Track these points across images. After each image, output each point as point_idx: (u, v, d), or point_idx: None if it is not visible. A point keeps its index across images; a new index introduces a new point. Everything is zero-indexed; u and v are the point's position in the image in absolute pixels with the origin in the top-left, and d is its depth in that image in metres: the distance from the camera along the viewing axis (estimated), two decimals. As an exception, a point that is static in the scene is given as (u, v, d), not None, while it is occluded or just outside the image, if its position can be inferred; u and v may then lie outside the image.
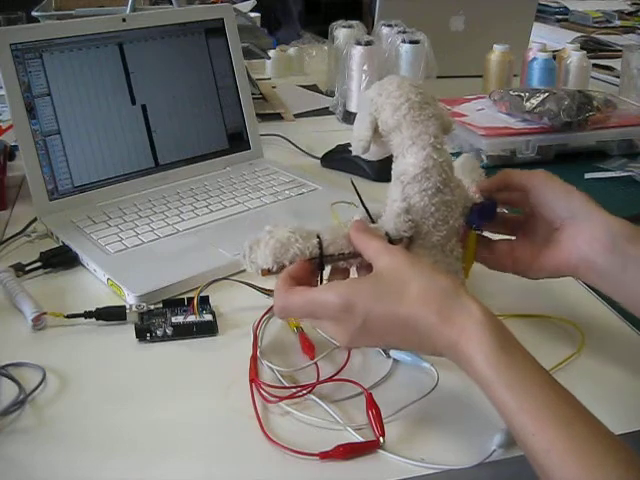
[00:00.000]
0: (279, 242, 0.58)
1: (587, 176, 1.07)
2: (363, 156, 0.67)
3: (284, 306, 0.56)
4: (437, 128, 0.62)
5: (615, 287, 0.61)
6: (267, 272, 0.59)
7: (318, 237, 0.59)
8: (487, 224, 0.67)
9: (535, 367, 0.49)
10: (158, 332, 0.67)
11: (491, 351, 0.49)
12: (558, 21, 2.27)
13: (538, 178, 0.66)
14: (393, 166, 0.64)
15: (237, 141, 1.05)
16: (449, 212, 0.62)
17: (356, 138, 0.65)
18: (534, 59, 1.37)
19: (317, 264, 0.59)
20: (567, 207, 0.63)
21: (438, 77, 1.31)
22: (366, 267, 0.58)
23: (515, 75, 1.44)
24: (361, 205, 0.63)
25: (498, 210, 0.68)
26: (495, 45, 1.41)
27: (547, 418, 0.46)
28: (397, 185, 0.62)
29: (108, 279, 0.75)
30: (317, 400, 0.59)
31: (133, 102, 0.94)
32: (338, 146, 1.10)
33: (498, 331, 0.50)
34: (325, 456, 0.53)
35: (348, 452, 0.54)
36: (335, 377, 0.61)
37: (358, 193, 0.63)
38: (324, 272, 0.60)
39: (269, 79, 1.65)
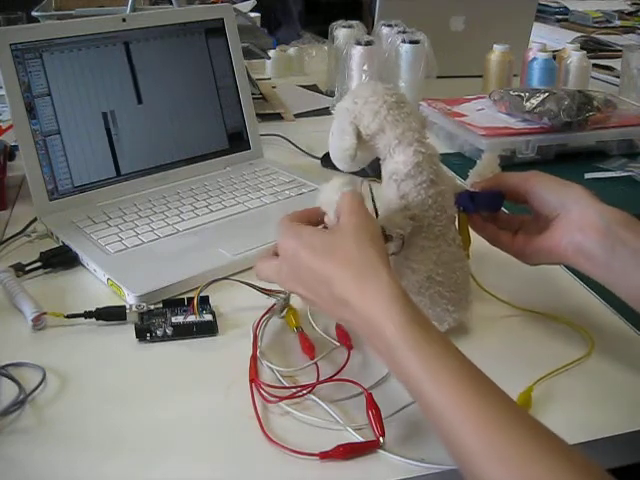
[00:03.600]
0: None
1: (587, 176, 1.07)
2: (343, 170, 0.68)
3: (282, 221, 0.60)
4: (418, 124, 0.64)
5: (602, 270, 0.61)
6: None
7: None
8: (492, 213, 0.69)
9: (447, 342, 0.50)
10: (158, 332, 0.67)
11: (403, 322, 0.50)
12: (558, 21, 2.27)
13: (532, 180, 0.67)
14: (382, 168, 0.65)
15: (237, 141, 1.05)
16: (445, 201, 0.64)
17: (341, 149, 0.65)
18: (534, 59, 1.37)
19: None
20: (560, 199, 0.64)
21: (438, 77, 1.31)
22: None
23: (515, 75, 1.44)
24: (372, 205, 0.64)
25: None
26: (495, 45, 1.41)
27: (462, 390, 0.47)
28: (391, 185, 0.64)
29: (108, 279, 0.75)
30: (317, 400, 0.59)
31: (133, 102, 0.94)
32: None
33: (412, 307, 0.52)
34: (325, 456, 0.53)
35: (348, 452, 0.54)
36: (335, 377, 0.61)
37: (372, 197, 0.65)
38: None
39: (269, 79, 1.65)
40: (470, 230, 0.69)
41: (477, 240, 0.70)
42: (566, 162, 1.12)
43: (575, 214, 0.63)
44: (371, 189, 0.65)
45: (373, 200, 0.64)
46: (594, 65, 1.56)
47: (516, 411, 0.47)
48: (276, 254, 0.60)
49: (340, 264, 0.54)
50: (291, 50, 1.74)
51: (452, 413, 0.46)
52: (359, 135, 0.64)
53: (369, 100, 0.64)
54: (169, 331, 0.67)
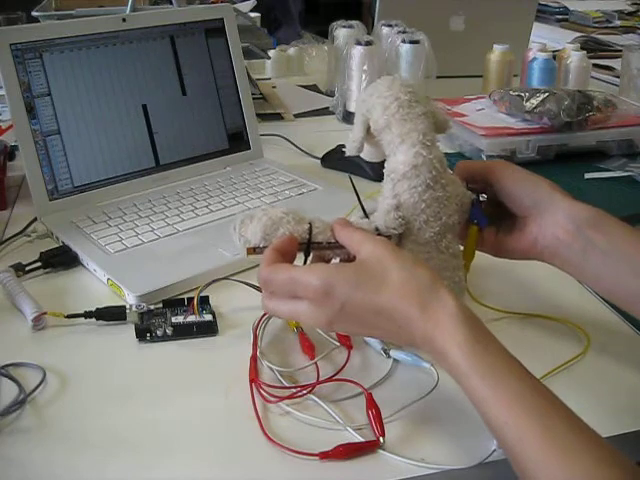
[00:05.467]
0: (271, 220, 0.59)
1: (587, 176, 1.07)
2: (365, 158, 0.68)
3: (267, 279, 0.57)
4: (427, 126, 0.63)
5: (577, 270, 0.62)
6: (252, 251, 0.60)
7: (309, 223, 0.60)
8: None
9: (509, 359, 0.50)
10: (158, 332, 0.67)
11: (465, 343, 0.50)
12: (558, 21, 2.27)
13: (499, 171, 0.66)
14: (385, 164, 0.65)
15: (237, 141, 1.05)
16: (441, 208, 0.63)
17: (350, 139, 0.66)
18: (534, 59, 1.37)
19: (304, 249, 0.60)
20: (531, 197, 0.64)
21: (438, 77, 1.31)
22: (351, 260, 0.59)
23: (515, 75, 1.44)
24: (358, 202, 0.64)
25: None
26: (495, 45, 1.41)
27: (520, 408, 0.47)
28: (388, 183, 0.64)
29: (108, 279, 0.75)
30: (317, 400, 0.59)
31: (133, 102, 0.94)
32: (338, 146, 1.10)
33: (473, 324, 0.51)
34: (325, 456, 0.53)
35: (348, 452, 0.54)
36: (335, 377, 0.61)
37: (356, 190, 0.64)
38: (309, 259, 0.61)
39: (269, 79, 1.65)
40: None
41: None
42: (566, 162, 1.12)
43: (547, 216, 0.63)
44: (353, 184, 0.65)
45: (357, 196, 0.64)
46: (594, 65, 1.56)
47: (577, 431, 0.46)
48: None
49: (396, 292, 0.53)
50: (291, 50, 1.74)
51: (509, 431, 0.46)
52: (368, 129, 0.65)
53: (383, 95, 0.64)
54: (169, 331, 0.67)
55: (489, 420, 0.48)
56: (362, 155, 0.69)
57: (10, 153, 1.05)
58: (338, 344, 0.66)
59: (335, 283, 0.54)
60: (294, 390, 0.60)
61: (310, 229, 0.60)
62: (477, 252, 0.70)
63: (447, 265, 0.64)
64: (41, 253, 0.80)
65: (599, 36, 2.04)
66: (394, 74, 0.69)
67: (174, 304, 0.71)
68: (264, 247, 0.59)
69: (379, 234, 0.61)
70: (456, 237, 0.65)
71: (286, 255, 0.58)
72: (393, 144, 0.63)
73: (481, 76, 1.44)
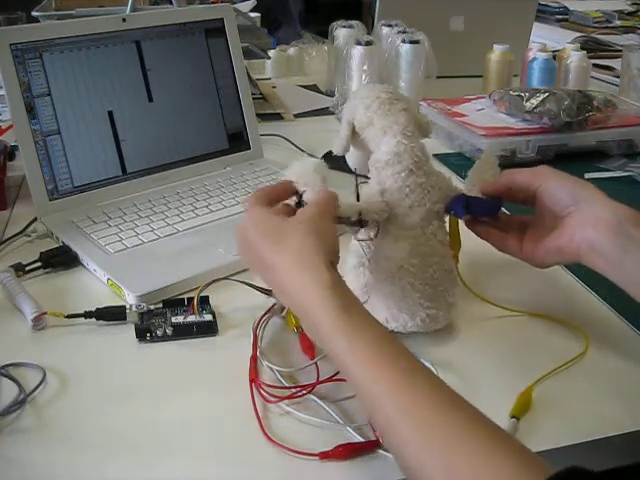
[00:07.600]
0: None
1: (587, 176, 1.07)
2: (352, 167, 0.71)
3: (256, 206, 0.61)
4: (407, 119, 0.67)
5: (615, 269, 0.60)
6: None
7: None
8: (491, 220, 0.69)
9: (375, 326, 0.52)
10: (158, 332, 0.67)
11: (334, 310, 0.52)
12: (558, 21, 2.27)
13: (543, 176, 0.66)
14: (370, 158, 0.68)
15: (237, 141, 1.05)
16: (425, 194, 0.65)
17: (337, 139, 0.70)
18: (534, 59, 1.37)
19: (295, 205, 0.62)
20: (573, 197, 0.63)
21: (438, 77, 1.31)
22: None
23: (515, 75, 1.44)
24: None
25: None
26: (495, 45, 1.41)
27: (386, 368, 0.49)
28: (372, 173, 0.67)
29: (108, 279, 0.75)
30: (317, 400, 0.59)
31: (133, 102, 0.94)
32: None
33: (345, 296, 0.53)
34: (325, 456, 0.53)
35: (348, 452, 0.54)
36: (335, 377, 0.61)
37: (358, 194, 0.65)
38: None
39: (269, 79, 1.65)
40: (473, 236, 0.69)
41: (469, 242, 0.70)
42: (566, 162, 1.12)
43: (587, 211, 0.62)
44: (357, 187, 0.66)
45: (358, 197, 0.65)
46: (594, 65, 1.56)
47: (444, 391, 0.48)
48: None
49: (284, 252, 0.56)
50: (291, 50, 1.74)
51: (376, 390, 0.48)
52: (353, 129, 0.68)
53: (364, 96, 0.68)
54: (169, 331, 0.67)
55: (353, 379, 0.50)
56: (350, 163, 0.71)
57: (10, 153, 1.05)
58: (338, 344, 0.66)
59: (256, 220, 0.59)
60: (294, 390, 0.60)
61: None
62: (476, 251, 0.70)
63: (435, 252, 0.65)
64: (41, 253, 0.80)
65: (599, 36, 2.04)
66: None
67: (174, 304, 0.71)
68: None
69: (360, 218, 0.63)
70: (443, 226, 0.67)
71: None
72: (377, 138, 0.67)
73: (481, 76, 1.44)
